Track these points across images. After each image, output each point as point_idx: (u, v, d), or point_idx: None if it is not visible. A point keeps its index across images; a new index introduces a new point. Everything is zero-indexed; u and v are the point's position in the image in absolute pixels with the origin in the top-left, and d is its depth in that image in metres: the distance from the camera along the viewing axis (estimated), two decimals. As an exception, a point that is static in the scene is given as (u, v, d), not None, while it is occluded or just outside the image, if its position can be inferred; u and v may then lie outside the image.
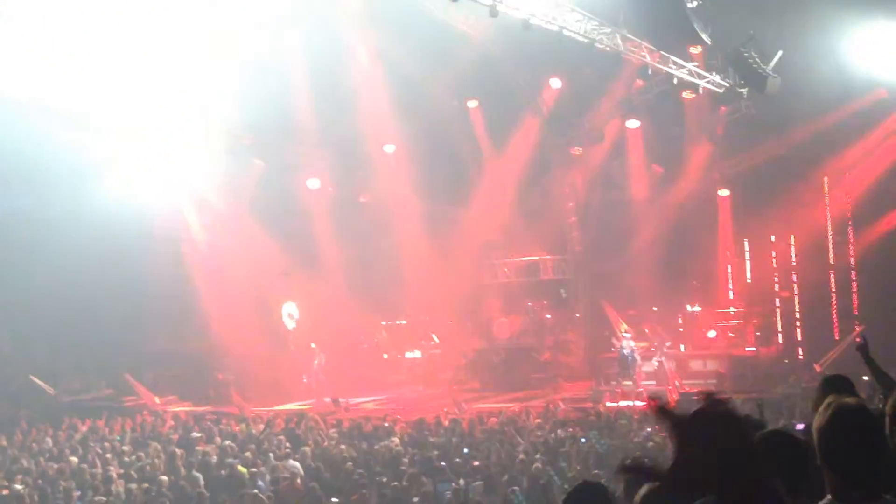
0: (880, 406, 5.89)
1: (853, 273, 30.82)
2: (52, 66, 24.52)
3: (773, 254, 32.38)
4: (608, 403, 25.35)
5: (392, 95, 32.20)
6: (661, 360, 28.41)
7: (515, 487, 14.05)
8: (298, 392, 30.16)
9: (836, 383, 6.25)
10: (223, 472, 16.99)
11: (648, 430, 18.51)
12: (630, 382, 27.84)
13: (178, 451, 18.51)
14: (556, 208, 33.16)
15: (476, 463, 16.51)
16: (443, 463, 16.40)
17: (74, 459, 18.59)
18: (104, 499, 15.52)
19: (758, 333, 30.55)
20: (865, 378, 9.18)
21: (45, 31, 23.28)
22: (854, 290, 30.79)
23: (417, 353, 33.77)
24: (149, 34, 26.16)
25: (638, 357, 28.38)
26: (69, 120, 28.82)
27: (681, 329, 31.54)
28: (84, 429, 23.14)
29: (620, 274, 31.71)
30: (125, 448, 20.43)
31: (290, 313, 32.18)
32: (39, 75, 24.53)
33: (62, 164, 32.11)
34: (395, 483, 15.17)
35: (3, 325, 32.96)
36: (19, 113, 25.15)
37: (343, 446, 18.69)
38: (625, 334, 29.30)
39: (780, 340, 31.53)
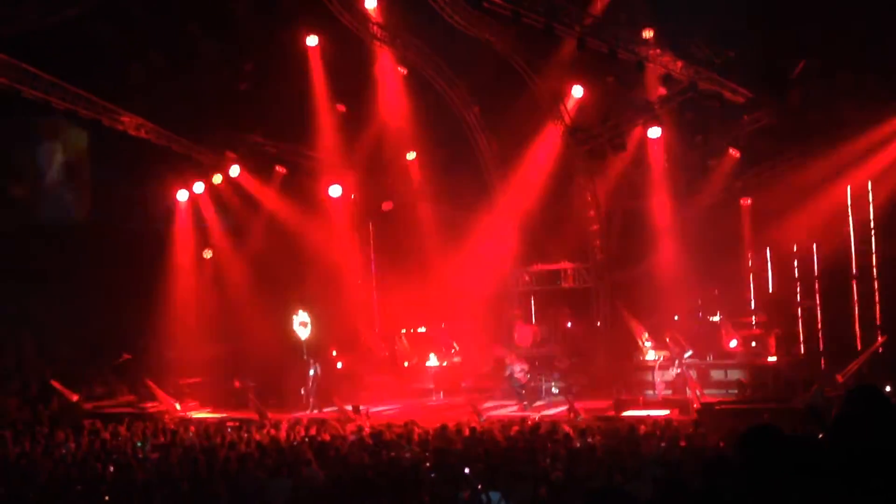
0: None
1: (876, 283, 30.63)
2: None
3: (796, 263, 32.23)
4: (629, 412, 25.30)
5: (414, 102, 32.32)
6: (680, 369, 28.32)
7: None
8: (298, 403, 29.97)
9: (867, 394, 6.15)
10: (244, 478, 16.99)
11: (664, 444, 18.49)
12: (523, 405, 28.18)
13: (200, 458, 18.53)
14: (577, 217, 33.08)
15: (497, 471, 16.45)
16: (465, 471, 16.36)
17: (97, 466, 18.62)
18: None
19: (780, 343, 30.37)
20: (888, 388, 9.12)
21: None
22: (877, 300, 30.60)
23: (438, 362, 33.71)
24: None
25: (522, 378, 28.81)
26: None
27: (702, 338, 31.43)
28: (106, 435, 23.20)
29: (642, 283, 31.61)
30: (147, 454, 20.48)
31: (302, 321, 31.87)
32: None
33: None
34: (417, 491, 15.15)
35: (26, 330, 33.16)
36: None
37: (364, 454, 18.67)
38: (646, 343, 29.29)
39: (802, 350, 31.37)
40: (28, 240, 33.35)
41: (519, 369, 29.28)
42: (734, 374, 28.73)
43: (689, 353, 28.90)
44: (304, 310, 31.88)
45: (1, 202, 34.12)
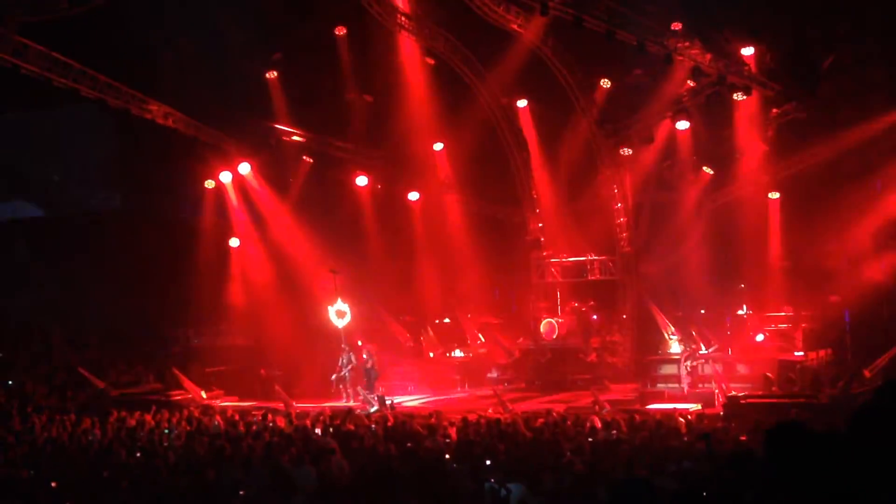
0: None
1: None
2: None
3: (823, 258, 32.02)
4: (654, 406, 25.23)
5: (442, 93, 32.29)
6: (696, 363, 28.19)
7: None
8: (329, 392, 29.95)
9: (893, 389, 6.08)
10: (269, 467, 17.03)
11: (688, 438, 18.43)
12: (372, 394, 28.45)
13: (226, 446, 18.58)
14: (605, 209, 33.01)
15: (520, 462, 16.44)
16: (487, 462, 16.37)
17: (123, 452, 18.70)
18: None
19: (806, 338, 30.18)
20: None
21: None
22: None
23: (463, 353, 33.67)
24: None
25: (376, 368, 29.49)
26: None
27: (728, 332, 31.29)
28: (132, 422, 23.30)
29: (669, 276, 31.52)
30: (173, 442, 20.56)
31: (339, 310, 31.70)
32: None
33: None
34: (440, 482, 15.14)
35: (54, 318, 33.35)
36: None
37: (389, 444, 18.68)
38: (671, 336, 29.18)
39: (829, 345, 31.16)
40: (56, 229, 33.55)
41: (370, 360, 29.62)
42: (760, 369, 28.57)
43: (714, 347, 28.78)
44: (343, 299, 31.68)
45: (29, 191, 34.31)
